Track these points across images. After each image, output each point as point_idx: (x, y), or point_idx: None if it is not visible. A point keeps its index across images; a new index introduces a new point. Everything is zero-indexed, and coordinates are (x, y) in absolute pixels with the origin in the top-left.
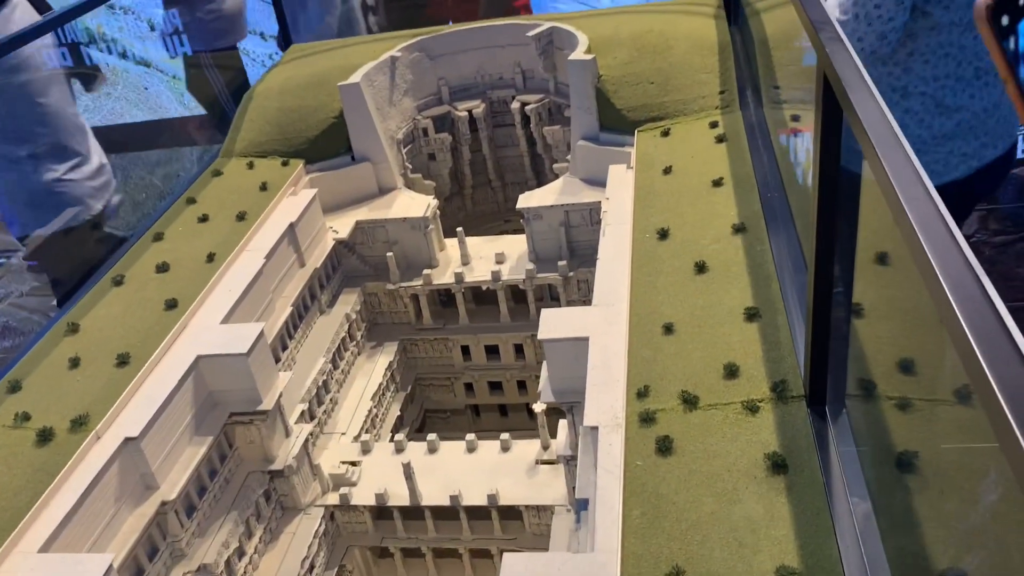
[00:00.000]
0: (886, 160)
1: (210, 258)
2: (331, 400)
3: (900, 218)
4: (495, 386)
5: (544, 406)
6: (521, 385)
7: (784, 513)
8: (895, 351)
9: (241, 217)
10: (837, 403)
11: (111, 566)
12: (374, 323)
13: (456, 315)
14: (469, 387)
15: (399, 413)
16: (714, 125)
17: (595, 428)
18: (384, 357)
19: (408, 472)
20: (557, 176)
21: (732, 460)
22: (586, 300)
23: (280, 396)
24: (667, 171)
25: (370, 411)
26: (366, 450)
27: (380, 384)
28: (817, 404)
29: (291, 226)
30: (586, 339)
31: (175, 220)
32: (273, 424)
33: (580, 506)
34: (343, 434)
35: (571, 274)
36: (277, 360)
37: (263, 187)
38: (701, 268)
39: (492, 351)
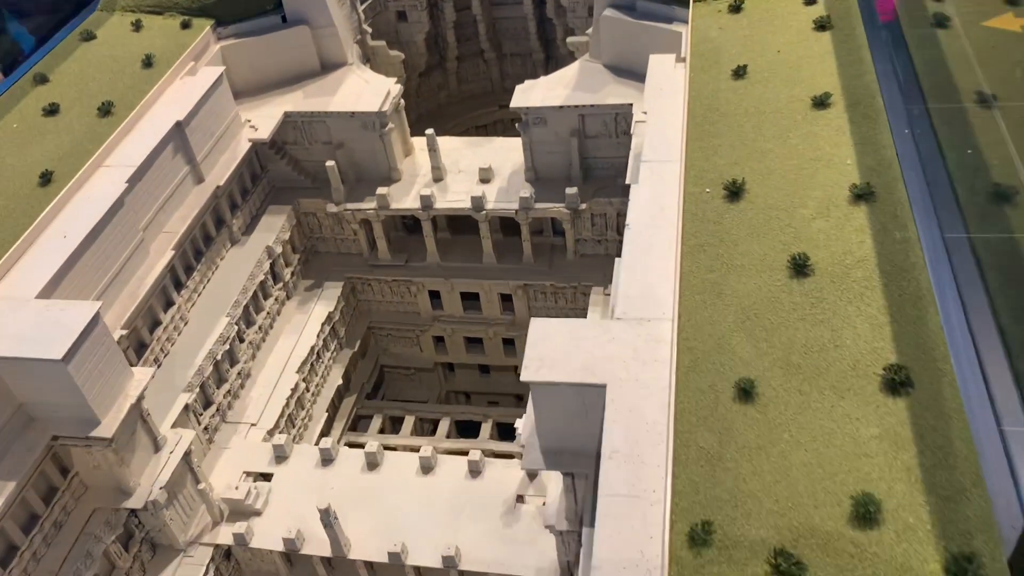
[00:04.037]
0: None
1: (45, 179)
2: (240, 374)
3: None
4: (474, 342)
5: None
6: (508, 343)
7: None
8: None
9: (106, 111)
10: None
11: None
12: (312, 251)
13: (423, 248)
14: (440, 341)
15: (340, 381)
16: (811, 0)
17: None
18: (323, 305)
19: (327, 519)
20: (572, 54)
21: None
22: (601, 240)
23: (140, 399)
24: (739, 73)
25: (296, 387)
26: (281, 456)
27: (313, 347)
28: None
29: (178, 126)
30: (602, 388)
31: (11, 110)
32: (128, 445)
33: None
34: (254, 425)
35: (583, 206)
36: (156, 325)
37: (147, 62)
38: (800, 267)
39: (471, 299)
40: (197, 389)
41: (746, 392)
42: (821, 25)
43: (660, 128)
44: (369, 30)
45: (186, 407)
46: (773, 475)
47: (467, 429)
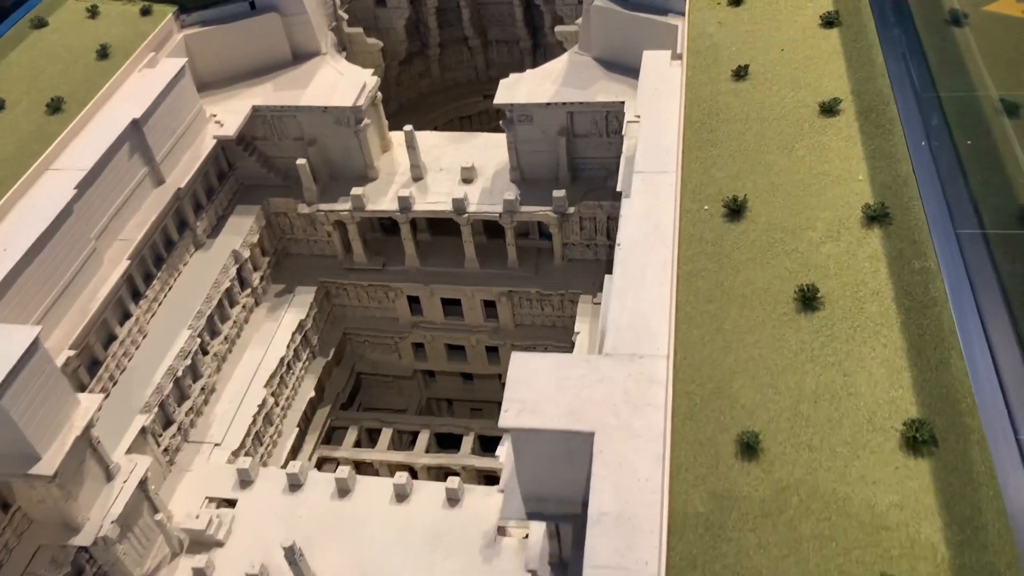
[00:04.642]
0: None
1: None
2: (203, 390)
3: None
4: (456, 349)
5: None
6: (492, 351)
7: None
8: None
9: (56, 107)
10: None
11: None
12: (283, 254)
13: (401, 251)
14: (419, 348)
15: (313, 392)
16: None
17: None
18: (294, 311)
19: (292, 557)
20: (561, 44)
21: None
22: (590, 245)
23: (89, 428)
24: (740, 74)
25: (263, 402)
26: (246, 481)
27: (283, 357)
28: None
29: (135, 124)
30: (589, 436)
31: None
32: (75, 477)
33: None
34: (217, 445)
35: (572, 209)
36: (111, 340)
37: (103, 52)
38: (808, 300)
39: (452, 304)
40: (156, 409)
41: (749, 447)
42: (828, 21)
43: (654, 134)
44: (345, 16)
45: (143, 430)
46: (780, 548)
47: (448, 438)
